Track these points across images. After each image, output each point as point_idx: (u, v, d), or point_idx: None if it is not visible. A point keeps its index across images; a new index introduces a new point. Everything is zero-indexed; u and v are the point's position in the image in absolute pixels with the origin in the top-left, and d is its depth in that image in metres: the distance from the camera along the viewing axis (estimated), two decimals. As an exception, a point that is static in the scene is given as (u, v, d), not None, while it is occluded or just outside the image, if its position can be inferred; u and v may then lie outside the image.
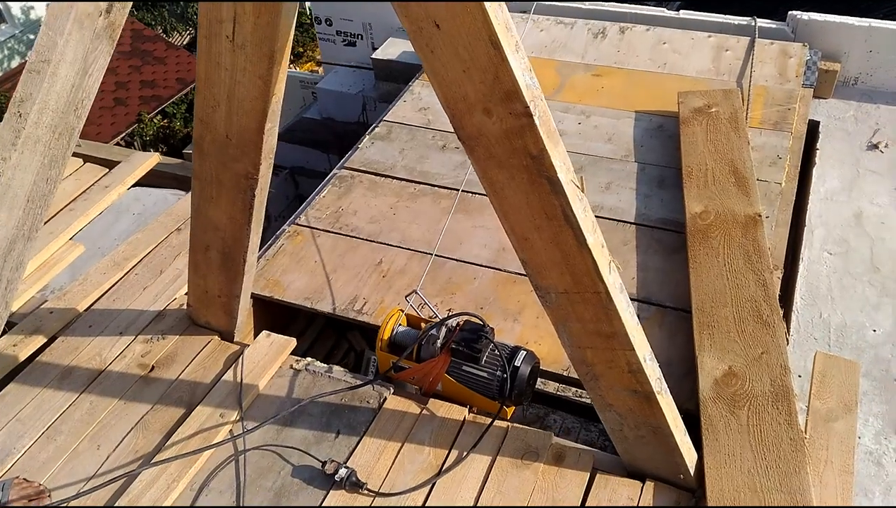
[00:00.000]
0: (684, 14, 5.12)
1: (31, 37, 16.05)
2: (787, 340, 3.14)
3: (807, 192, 4.14)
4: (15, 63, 15.56)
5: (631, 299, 3.23)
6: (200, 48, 2.07)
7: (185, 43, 16.53)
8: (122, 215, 4.08)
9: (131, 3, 1.56)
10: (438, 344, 2.69)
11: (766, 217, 3.57)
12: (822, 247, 3.80)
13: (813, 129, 4.58)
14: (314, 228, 3.71)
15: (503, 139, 1.96)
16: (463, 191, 3.88)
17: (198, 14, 1.99)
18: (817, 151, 4.42)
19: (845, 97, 4.86)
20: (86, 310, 3.22)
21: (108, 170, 4.08)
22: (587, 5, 5.27)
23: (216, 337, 3.07)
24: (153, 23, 15.85)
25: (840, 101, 4.82)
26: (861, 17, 4.89)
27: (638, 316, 3.11)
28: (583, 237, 2.08)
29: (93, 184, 3.95)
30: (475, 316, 2.71)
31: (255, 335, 3.17)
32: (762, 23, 4.93)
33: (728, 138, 3.86)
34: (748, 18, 4.99)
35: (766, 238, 3.33)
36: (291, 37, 2.02)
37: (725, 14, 5.14)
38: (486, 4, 1.73)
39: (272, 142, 2.29)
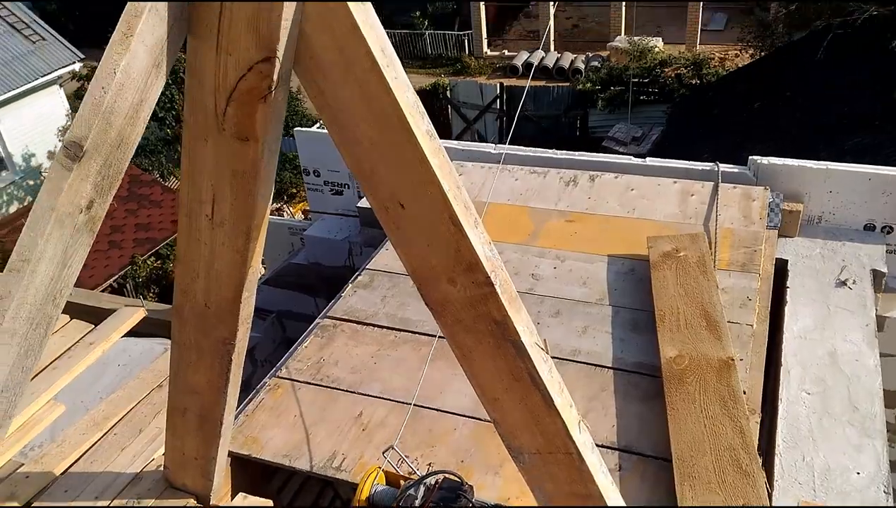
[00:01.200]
0: (650, 161, 5.41)
1: (31, 183, 16.56)
2: (770, 487, 3.12)
3: (780, 331, 4.22)
4: (13, 208, 15.96)
5: (611, 448, 3.24)
6: (181, 225, 2.19)
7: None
8: (107, 367, 4.10)
9: (112, 196, 1.68)
10: (417, 505, 2.66)
11: (741, 359, 3.64)
12: (799, 386, 3.83)
13: (782, 268, 4.73)
14: (295, 380, 3.73)
15: (468, 306, 2.05)
16: (441, 337, 3.94)
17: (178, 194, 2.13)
18: (788, 290, 4.54)
19: (811, 235, 5.05)
20: (62, 474, 3.18)
21: (93, 326, 4.14)
22: (559, 154, 5.57)
23: (192, 500, 3.02)
24: (150, 168, 16.44)
25: (806, 240, 5.01)
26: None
27: (619, 468, 3.11)
28: (550, 398, 2.13)
29: (78, 342, 4.00)
30: (454, 474, 2.70)
31: (234, 493, 3.12)
32: (725, 168, 5.21)
33: (697, 282, 3.99)
34: (711, 164, 5.27)
35: (740, 382, 3.37)
36: (268, 213, 2.15)
37: (691, 160, 5.44)
38: (446, 188, 1.87)
39: (249, 309, 2.37)
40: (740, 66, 17.39)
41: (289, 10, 1.63)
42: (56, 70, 16.51)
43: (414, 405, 3.49)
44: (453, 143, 5.90)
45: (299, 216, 16.40)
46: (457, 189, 1.91)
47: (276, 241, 6.97)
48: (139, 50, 1.52)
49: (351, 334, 4.06)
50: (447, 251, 1.96)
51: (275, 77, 1.74)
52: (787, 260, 4.80)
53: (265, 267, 7.07)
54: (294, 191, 16.99)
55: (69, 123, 17.44)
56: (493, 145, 5.75)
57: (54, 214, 1.48)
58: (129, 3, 1.52)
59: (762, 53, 16.28)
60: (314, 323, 4.21)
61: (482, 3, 23.57)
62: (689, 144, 14.88)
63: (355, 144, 1.87)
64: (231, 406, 2.69)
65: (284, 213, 17.22)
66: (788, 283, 4.60)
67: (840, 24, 11.57)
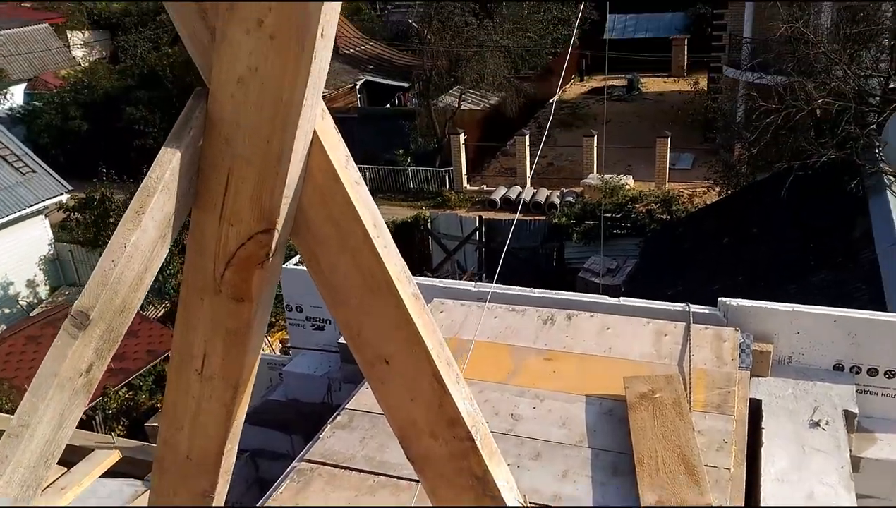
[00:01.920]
0: (624, 301, 5.59)
1: (6, 310, 16.42)
2: None
3: (757, 473, 4.24)
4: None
5: None
6: (169, 378, 2.26)
7: (159, 315, 17.02)
8: None
9: (110, 358, 1.76)
10: None
11: (719, 504, 3.64)
12: (780, 532, 3.82)
13: (756, 408, 4.81)
14: (271, 528, 3.66)
15: (449, 460, 2.10)
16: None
17: (171, 348, 2.20)
18: (763, 431, 4.61)
19: (783, 375, 5.18)
20: None
21: (65, 469, 4.06)
22: (536, 293, 5.74)
23: None
24: (129, 297, 16.40)
25: (778, 379, 5.13)
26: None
27: None
28: (530, 554, 2.14)
29: (49, 486, 3.91)
30: None
31: None
32: (696, 308, 5.39)
33: (674, 424, 4.05)
34: (683, 305, 5.46)
35: (720, 528, 3.37)
36: (256, 368, 2.23)
37: (662, 300, 5.63)
38: (429, 347, 1.98)
39: (231, 461, 2.39)
40: (708, 203, 18.21)
41: (290, 188, 1.79)
42: (43, 201, 16.85)
43: (393, 554, 3.42)
44: (435, 281, 6.07)
45: (277, 345, 16.32)
46: (440, 347, 2.01)
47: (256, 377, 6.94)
48: (149, 225, 1.65)
49: (328, 478, 4.02)
50: (430, 407, 2.04)
51: (273, 246, 1.88)
52: (760, 401, 4.89)
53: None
54: (273, 319, 17.00)
55: (52, 252, 17.60)
56: (474, 283, 5.93)
57: (56, 380, 1.55)
58: (143, 182, 1.68)
59: (729, 191, 17.09)
60: (290, 466, 4.16)
61: (462, 143, 24.70)
62: (661, 277, 15.30)
63: (345, 306, 1.98)
64: (207, 558, 2.64)
65: (264, 342, 17.09)
66: (763, 424, 4.67)
67: (800, 166, 12.28)
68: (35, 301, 16.88)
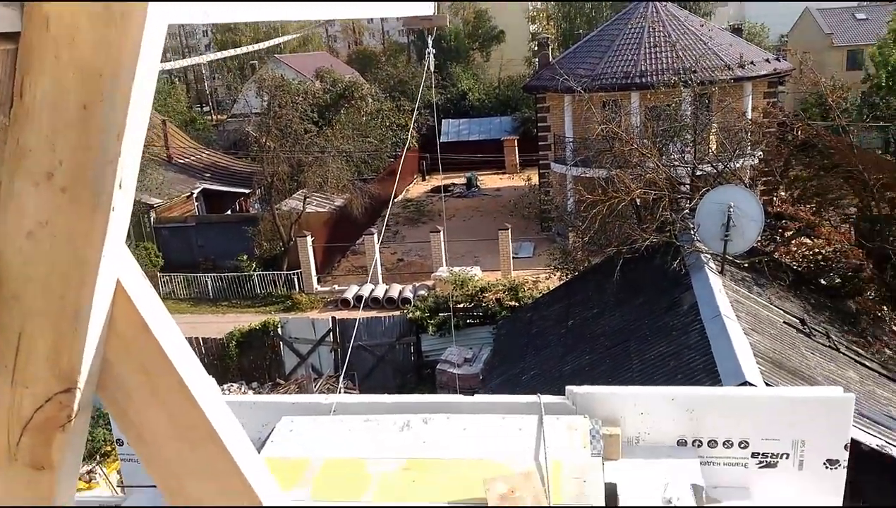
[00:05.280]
0: (478, 398, 5.62)
1: None
2: None
3: (620, 561, 4.29)
4: None
5: None
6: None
7: None
8: None
9: None
10: None
11: None
12: None
13: (612, 492, 4.91)
14: None
15: None
16: None
17: None
18: (621, 515, 4.69)
19: (632, 455, 5.35)
20: None
21: None
22: (389, 399, 5.64)
23: None
24: None
25: (629, 461, 5.29)
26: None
27: None
28: None
29: None
30: None
31: None
32: (546, 399, 5.50)
33: (535, 523, 4.02)
34: (534, 397, 5.56)
35: None
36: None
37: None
38: (261, 496, 1.84)
39: None
40: (551, 287, 19.09)
41: (90, 344, 1.64)
42: None
43: None
44: (284, 398, 5.81)
45: (115, 476, 14.91)
46: (274, 498, 1.88)
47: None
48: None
49: None
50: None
51: (75, 406, 1.70)
52: (615, 484, 5.01)
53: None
54: (109, 448, 15.56)
55: None
56: (325, 396, 5.73)
57: None
58: None
59: (568, 276, 18.05)
60: None
61: (310, 245, 24.54)
62: (515, 362, 15.69)
63: (163, 462, 1.81)
64: None
65: (97, 475, 15.58)
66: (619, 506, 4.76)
67: (628, 249, 13.24)
68: None
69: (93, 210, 1.45)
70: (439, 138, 36.26)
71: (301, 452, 5.06)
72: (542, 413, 5.33)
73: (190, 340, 20.45)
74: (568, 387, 5.61)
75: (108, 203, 1.44)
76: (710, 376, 9.69)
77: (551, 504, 4.32)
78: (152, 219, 27.75)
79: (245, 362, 19.50)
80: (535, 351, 15.56)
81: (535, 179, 31.39)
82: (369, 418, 5.43)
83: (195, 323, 22.58)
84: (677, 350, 11.33)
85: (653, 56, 26.66)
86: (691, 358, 10.86)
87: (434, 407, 5.53)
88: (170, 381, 1.72)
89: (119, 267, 1.65)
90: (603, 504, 4.56)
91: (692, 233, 12.82)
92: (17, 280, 1.57)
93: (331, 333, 19.87)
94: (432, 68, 7.99)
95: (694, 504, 4.81)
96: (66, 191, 1.44)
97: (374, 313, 21.70)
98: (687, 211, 13.40)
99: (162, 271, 25.50)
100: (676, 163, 14.79)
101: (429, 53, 7.78)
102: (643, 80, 25.46)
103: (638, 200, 14.15)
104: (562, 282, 18.29)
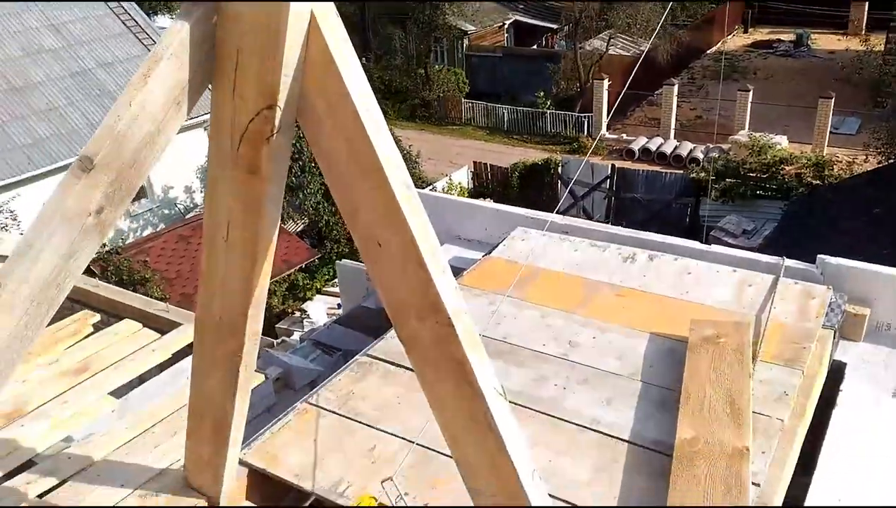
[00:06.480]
0: (715, 248, 5.39)
1: (166, 211, 18.10)
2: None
3: (821, 436, 4.06)
4: (147, 231, 17.45)
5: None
6: (205, 245, 2.52)
7: (298, 230, 18.07)
8: (178, 376, 4.46)
9: (125, 207, 2.00)
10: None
11: (763, 452, 3.55)
12: (832, 494, 3.67)
13: (838, 369, 4.56)
14: (322, 408, 3.98)
15: (433, 344, 2.23)
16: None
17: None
18: (840, 393, 4.37)
19: (877, 342, 4.84)
20: (100, 460, 3.54)
21: (160, 335, 4.59)
22: (623, 231, 5.65)
23: (204, 501, 3.28)
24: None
25: (870, 345, 4.80)
26: None
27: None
28: (503, 443, 2.25)
29: (142, 348, 4.44)
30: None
31: (250, 499, 3.37)
32: (791, 263, 5.11)
33: (731, 368, 3.94)
34: (778, 258, 5.19)
35: (751, 473, 3.30)
36: (274, 240, 2.44)
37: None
38: (415, 233, 2.09)
39: (255, 326, 2.65)
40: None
41: (288, 67, 1.94)
42: (203, 114, 18.19)
43: (424, 447, 3.63)
44: (521, 210, 6.10)
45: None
46: (426, 236, 2.12)
47: (354, 284, 7.39)
48: (155, 88, 1.86)
49: (383, 373, 4.27)
50: (415, 290, 2.17)
51: (276, 122, 2.05)
52: (844, 363, 4.62)
53: (341, 309, 7.33)
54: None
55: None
56: (561, 216, 5.91)
57: (59, 213, 1.81)
58: (152, 50, 1.88)
59: (890, 161, 15.57)
60: (353, 359, 4.46)
61: (606, 90, 23.90)
62: (799, 243, 14.32)
63: (342, 186, 2.13)
64: (240, 413, 2.95)
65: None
66: (842, 387, 4.43)
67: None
68: (191, 205, 18.42)
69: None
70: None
71: (526, 259, 5.38)
72: (781, 274, 4.98)
73: (478, 165, 21.79)
74: (820, 256, 5.14)
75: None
76: None
77: (759, 361, 4.16)
78: (464, 45, 28.93)
79: (525, 194, 20.31)
80: (824, 237, 14.03)
81: (877, 45, 26.57)
82: (597, 243, 5.53)
83: (487, 150, 23.82)
84: None
85: None
86: None
87: (664, 247, 5.45)
88: (349, 119, 1.99)
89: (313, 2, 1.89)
90: (818, 374, 4.26)
91: None
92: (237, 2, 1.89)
93: (608, 180, 19.72)
94: None
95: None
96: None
97: (657, 168, 20.97)
98: None
99: (466, 97, 26.83)
100: None
101: None
102: None
103: None
104: (879, 166, 15.89)
